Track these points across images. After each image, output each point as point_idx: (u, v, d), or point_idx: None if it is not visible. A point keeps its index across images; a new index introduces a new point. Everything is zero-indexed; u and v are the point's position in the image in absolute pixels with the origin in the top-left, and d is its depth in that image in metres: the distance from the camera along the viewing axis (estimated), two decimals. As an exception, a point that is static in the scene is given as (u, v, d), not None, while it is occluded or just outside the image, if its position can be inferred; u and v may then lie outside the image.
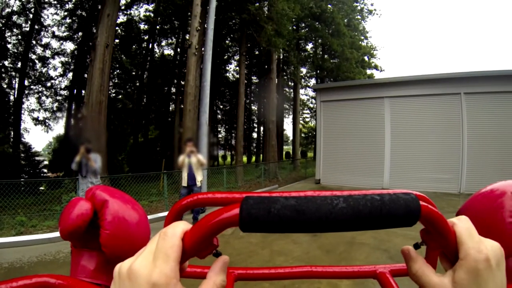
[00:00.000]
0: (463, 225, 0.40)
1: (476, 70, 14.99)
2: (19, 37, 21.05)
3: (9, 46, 20.72)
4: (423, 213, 0.37)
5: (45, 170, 21.84)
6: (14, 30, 20.62)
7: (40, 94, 24.01)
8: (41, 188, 10.89)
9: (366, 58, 32.37)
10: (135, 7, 25.35)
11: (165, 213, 8.25)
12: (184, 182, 7.50)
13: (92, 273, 0.63)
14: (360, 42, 31.00)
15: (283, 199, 0.35)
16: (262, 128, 32.63)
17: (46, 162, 23.66)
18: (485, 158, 12.48)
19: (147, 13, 26.46)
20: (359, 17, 30.38)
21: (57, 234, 6.98)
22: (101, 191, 0.64)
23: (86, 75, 15.70)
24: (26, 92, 22.59)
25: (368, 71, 33.30)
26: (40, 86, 23.80)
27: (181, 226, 0.37)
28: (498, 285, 0.37)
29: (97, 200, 0.62)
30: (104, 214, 0.61)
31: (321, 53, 30.09)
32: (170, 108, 29.28)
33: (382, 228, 0.36)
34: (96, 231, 0.62)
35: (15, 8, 19.93)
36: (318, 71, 31.03)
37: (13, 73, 21.41)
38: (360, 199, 0.35)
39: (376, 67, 33.27)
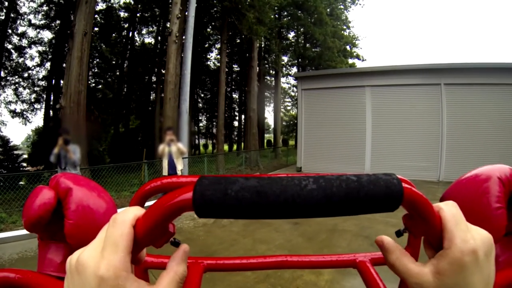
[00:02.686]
0: (449, 211, 0.37)
1: (456, 62, 15.23)
2: (-6, 26, 20.42)
3: (-17, 36, 20.11)
4: (406, 196, 0.34)
5: (25, 164, 21.32)
6: (-12, 19, 19.99)
7: (17, 85, 23.37)
8: (21, 182, 10.66)
9: (348, 47, 32.58)
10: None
11: (148, 204, 8.23)
12: (165, 171, 7.43)
13: (59, 266, 0.60)
14: (343, 32, 31.18)
15: (242, 179, 0.31)
16: (243, 117, 32.62)
17: (25, 156, 23.09)
18: (463, 147, 12.82)
19: (127, 0, 25.96)
20: (342, 6, 30.51)
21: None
22: (65, 178, 0.60)
23: (64, 65, 15.39)
24: (2, 83, 21.99)
25: (350, 61, 33.53)
26: (17, 77, 23.13)
27: (133, 212, 0.34)
28: (485, 277, 0.35)
29: (60, 188, 0.59)
30: (68, 203, 0.58)
31: (303, 41, 30.11)
32: (151, 98, 29.04)
33: (360, 213, 0.32)
34: (62, 222, 0.58)
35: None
36: (299, 60, 31.06)
37: (-12, 65, 20.80)
38: (333, 180, 0.31)
39: (358, 57, 33.50)
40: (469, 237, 0.35)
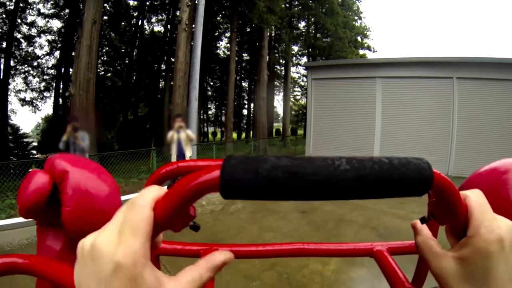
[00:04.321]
0: (476, 199, 0.36)
1: (470, 55, 15.00)
2: (3, 15, 20.43)
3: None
4: (435, 181, 0.32)
5: (34, 152, 21.57)
6: (-2, 8, 20.05)
7: (26, 74, 23.58)
8: (30, 170, 10.78)
9: (359, 38, 32.30)
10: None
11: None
12: (174, 158, 7.41)
13: (58, 254, 0.55)
14: (354, 22, 30.99)
15: (274, 158, 0.28)
16: (252, 105, 32.63)
17: (35, 144, 23.35)
18: (473, 142, 12.67)
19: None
20: (353, -4, 30.23)
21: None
22: (61, 160, 0.54)
23: (73, 53, 15.44)
24: (12, 72, 22.13)
25: (361, 51, 33.27)
26: (26, 65, 23.32)
27: (152, 193, 0.31)
28: (510, 267, 0.33)
29: (56, 171, 0.53)
30: (64, 187, 0.51)
31: (313, 31, 29.94)
32: (160, 85, 29.25)
33: (391, 196, 0.30)
34: (60, 207, 0.52)
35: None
36: (310, 50, 30.87)
37: (-2, 54, 20.91)
38: (366, 161, 0.30)
39: (369, 48, 33.22)
40: (495, 226, 0.34)
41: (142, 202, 0.30)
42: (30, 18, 22.54)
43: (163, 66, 28.28)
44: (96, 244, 0.29)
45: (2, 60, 20.63)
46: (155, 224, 0.30)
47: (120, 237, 0.28)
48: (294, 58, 34.20)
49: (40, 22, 23.12)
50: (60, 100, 22.17)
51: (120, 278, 0.27)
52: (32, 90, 24.05)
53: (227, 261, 0.34)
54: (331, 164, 0.28)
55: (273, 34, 26.97)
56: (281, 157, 0.29)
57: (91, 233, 0.31)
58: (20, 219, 6.66)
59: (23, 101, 23.72)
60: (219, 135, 44.25)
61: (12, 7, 20.25)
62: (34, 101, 24.20)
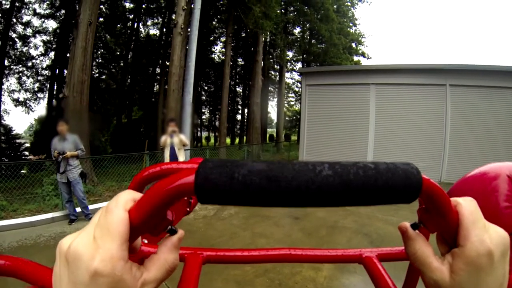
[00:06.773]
0: (468, 207, 0.35)
1: (463, 63, 15.10)
2: (-1, 14, 20.37)
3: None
4: (424, 187, 0.31)
5: (27, 153, 21.40)
6: (-7, 7, 19.93)
7: (20, 74, 23.40)
8: (22, 171, 10.67)
9: (353, 45, 32.37)
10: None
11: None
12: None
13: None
14: (349, 29, 31.06)
15: (250, 162, 0.28)
16: (246, 110, 32.64)
17: (27, 145, 23.15)
18: (466, 149, 12.76)
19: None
20: (348, 3, 30.46)
21: (38, 217, 6.84)
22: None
23: (68, 54, 15.36)
24: (6, 72, 21.97)
25: (355, 58, 33.32)
26: (20, 65, 23.15)
27: (127, 197, 0.31)
28: (499, 278, 0.33)
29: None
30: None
31: (308, 37, 30.01)
32: (155, 89, 29.15)
33: (376, 204, 0.30)
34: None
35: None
36: (304, 55, 30.90)
37: (-8, 53, 20.76)
38: (350, 166, 0.29)
39: (363, 54, 33.28)
40: (486, 237, 0.33)
41: (116, 204, 0.30)
42: (25, 18, 22.45)
43: (157, 70, 28.19)
44: (72, 247, 0.28)
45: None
46: (131, 227, 0.29)
47: (96, 240, 0.28)
48: (289, 63, 34.21)
49: (36, 22, 23.06)
50: (54, 101, 22.02)
51: (99, 285, 0.26)
52: (26, 90, 23.85)
53: (180, 237, 0.35)
54: (311, 169, 0.28)
55: (268, 40, 27.00)
56: (258, 162, 0.28)
57: (70, 235, 0.31)
58: (11, 221, 6.57)
59: (17, 102, 23.50)
60: (212, 140, 44.16)
61: (7, 6, 20.14)
62: (27, 101, 23.98)
